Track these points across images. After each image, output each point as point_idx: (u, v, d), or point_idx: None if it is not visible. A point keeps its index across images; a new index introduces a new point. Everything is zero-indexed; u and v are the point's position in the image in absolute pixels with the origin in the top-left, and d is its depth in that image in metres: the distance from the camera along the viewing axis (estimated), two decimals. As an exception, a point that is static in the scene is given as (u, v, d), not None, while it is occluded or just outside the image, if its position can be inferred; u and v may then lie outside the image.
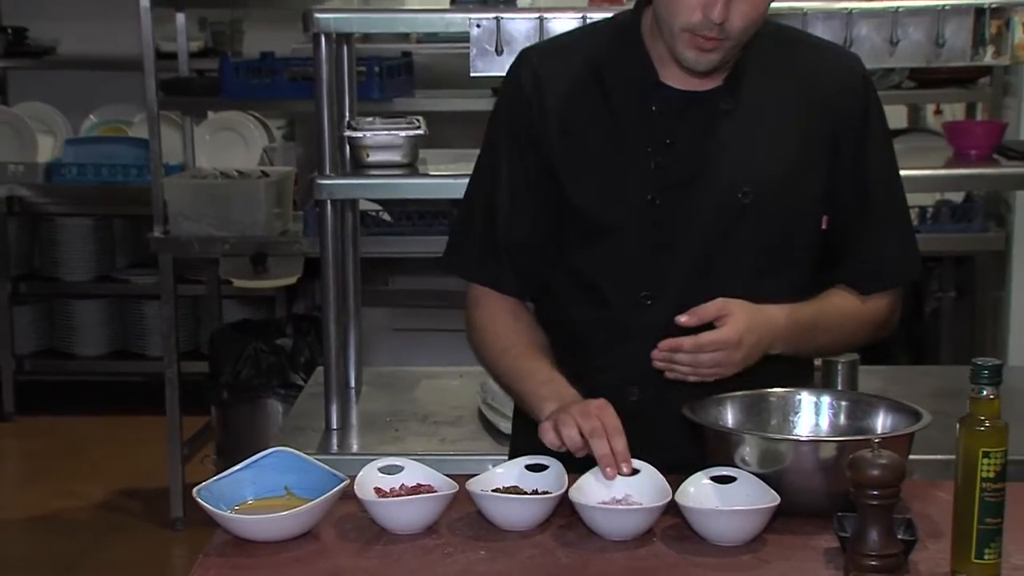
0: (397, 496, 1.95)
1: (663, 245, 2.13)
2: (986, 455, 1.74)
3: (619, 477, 1.95)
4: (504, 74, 2.30)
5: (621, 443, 1.95)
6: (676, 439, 2.04)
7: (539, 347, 2.19)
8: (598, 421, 1.96)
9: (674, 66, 2.11)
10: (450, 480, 1.98)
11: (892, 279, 2.26)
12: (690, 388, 2.07)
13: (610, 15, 2.31)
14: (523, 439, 2.28)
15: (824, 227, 2.21)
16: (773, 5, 2.84)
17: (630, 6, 2.21)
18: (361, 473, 1.99)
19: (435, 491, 1.96)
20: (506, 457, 2.22)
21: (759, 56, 2.14)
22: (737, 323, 2.03)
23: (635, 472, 1.95)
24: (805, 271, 2.21)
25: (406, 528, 1.91)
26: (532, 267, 2.22)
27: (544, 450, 2.05)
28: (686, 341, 2.02)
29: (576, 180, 2.15)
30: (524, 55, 2.25)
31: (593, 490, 1.94)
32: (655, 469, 1.97)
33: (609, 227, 2.14)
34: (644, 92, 2.13)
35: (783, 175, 2.13)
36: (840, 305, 2.20)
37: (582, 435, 1.95)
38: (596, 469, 1.97)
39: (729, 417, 2.08)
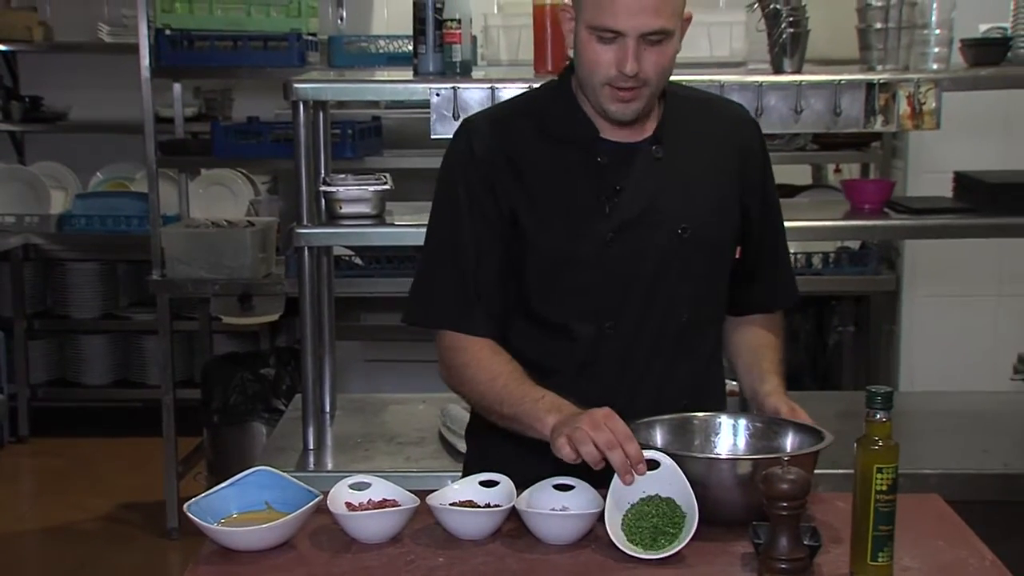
0: (365, 510, 1.93)
1: (621, 278, 2.11)
2: (879, 471, 1.75)
3: (556, 494, 1.95)
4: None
5: (633, 447, 1.88)
6: None
7: (521, 373, 2.09)
8: (610, 432, 1.88)
9: (608, 121, 2.11)
10: (412, 495, 1.96)
11: (793, 297, 2.35)
12: (647, 410, 2.07)
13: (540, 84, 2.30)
14: (476, 456, 2.26)
15: (737, 256, 2.23)
16: (697, 77, 2.88)
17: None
18: (333, 489, 1.97)
19: (399, 505, 1.94)
20: (462, 474, 2.20)
21: (675, 111, 2.16)
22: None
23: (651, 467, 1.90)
24: (724, 295, 2.24)
25: (373, 538, 1.89)
26: (500, 309, 2.14)
27: (498, 467, 2.04)
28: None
29: (541, 228, 2.10)
30: (472, 123, 2.21)
31: (537, 502, 1.94)
32: (587, 484, 1.95)
33: (574, 268, 2.11)
34: (588, 147, 2.12)
35: (711, 212, 2.15)
36: (773, 350, 2.26)
37: (597, 448, 1.88)
38: (539, 484, 1.96)
39: (658, 438, 2.06)
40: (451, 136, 2.59)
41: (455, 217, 2.15)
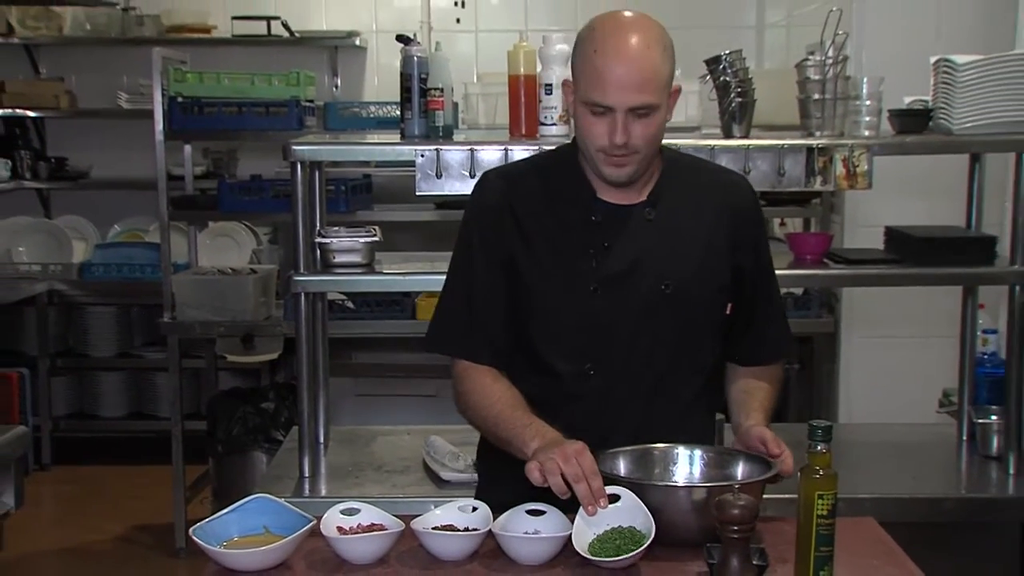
0: (355, 534, 1.92)
1: (603, 326, 2.11)
2: (820, 497, 1.75)
3: (529, 518, 1.94)
4: (445, 193, 2.48)
5: (597, 482, 1.88)
6: None
7: (518, 400, 2.10)
8: (578, 467, 1.88)
9: (606, 184, 2.12)
10: (398, 520, 1.95)
11: (787, 350, 2.36)
12: (627, 440, 2.06)
13: (536, 147, 2.32)
14: (486, 479, 2.28)
15: (728, 312, 2.21)
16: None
17: (542, 142, 2.21)
18: (326, 515, 1.95)
19: (386, 529, 1.92)
20: (444, 499, 2.17)
21: (671, 177, 2.17)
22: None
23: (613, 500, 1.89)
24: (712, 347, 2.21)
25: (362, 560, 1.87)
26: (503, 343, 2.16)
27: (510, 493, 2.01)
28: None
29: (535, 274, 2.13)
30: (489, 177, 2.24)
31: (511, 526, 1.92)
32: (557, 509, 1.94)
33: (560, 312, 2.12)
34: (585, 206, 2.14)
35: (694, 271, 2.14)
36: (766, 395, 2.22)
37: (564, 479, 1.88)
38: (513, 509, 1.95)
39: (621, 467, 2.05)
40: (435, 193, 2.87)
41: (467, 259, 2.19)
